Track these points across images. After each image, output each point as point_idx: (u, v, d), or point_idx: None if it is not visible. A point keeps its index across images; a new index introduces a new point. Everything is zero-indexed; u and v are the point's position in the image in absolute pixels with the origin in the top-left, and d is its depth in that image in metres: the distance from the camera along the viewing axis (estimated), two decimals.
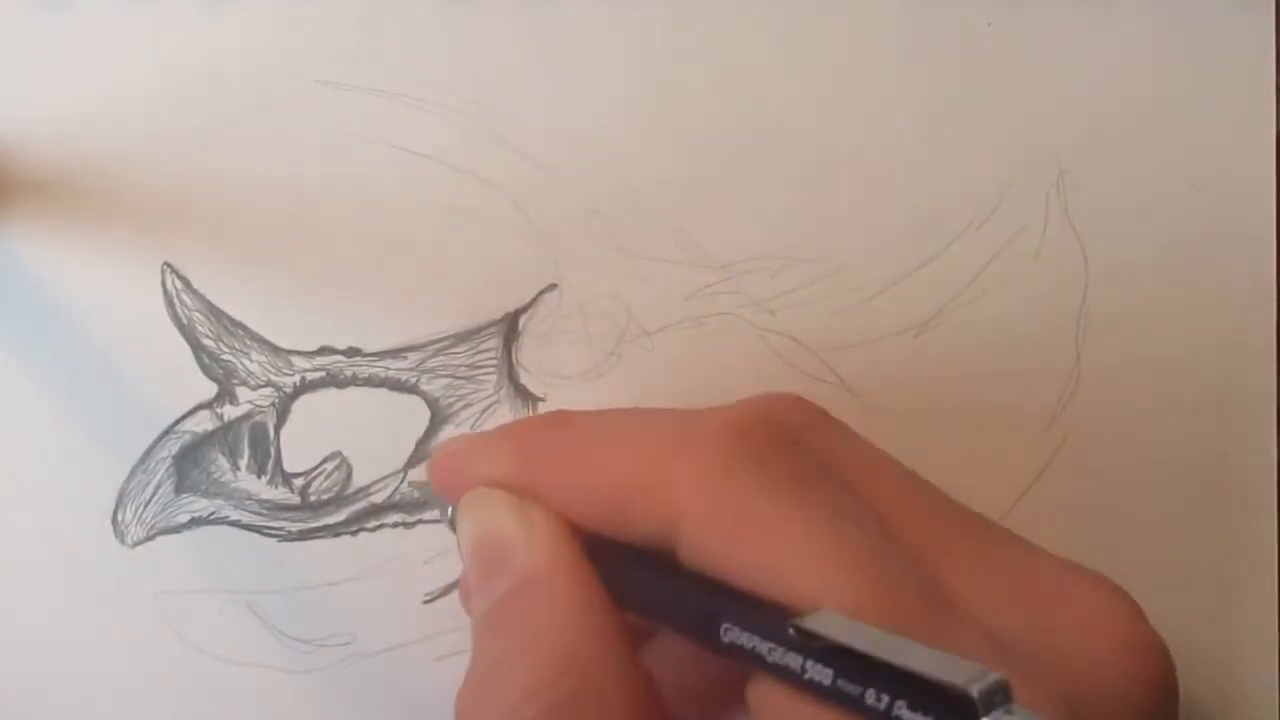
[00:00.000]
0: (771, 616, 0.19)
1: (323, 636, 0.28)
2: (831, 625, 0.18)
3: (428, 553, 0.28)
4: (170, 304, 0.28)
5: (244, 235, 0.28)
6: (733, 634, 0.19)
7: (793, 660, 0.18)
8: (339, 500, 0.28)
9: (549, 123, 0.28)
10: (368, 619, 0.28)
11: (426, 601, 0.28)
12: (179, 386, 0.28)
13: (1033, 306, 0.29)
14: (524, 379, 0.28)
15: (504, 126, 0.28)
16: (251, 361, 0.28)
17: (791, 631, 0.18)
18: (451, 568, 0.28)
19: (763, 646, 0.19)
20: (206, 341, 0.28)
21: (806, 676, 0.18)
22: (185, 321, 0.28)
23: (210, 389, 0.28)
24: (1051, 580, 0.21)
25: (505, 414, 0.28)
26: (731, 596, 0.20)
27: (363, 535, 0.28)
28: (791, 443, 0.21)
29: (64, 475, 0.28)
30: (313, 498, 0.28)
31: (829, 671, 0.18)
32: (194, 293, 0.28)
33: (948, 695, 0.16)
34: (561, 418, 0.24)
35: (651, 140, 0.29)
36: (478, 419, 0.28)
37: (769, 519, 0.20)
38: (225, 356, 0.28)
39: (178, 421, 0.28)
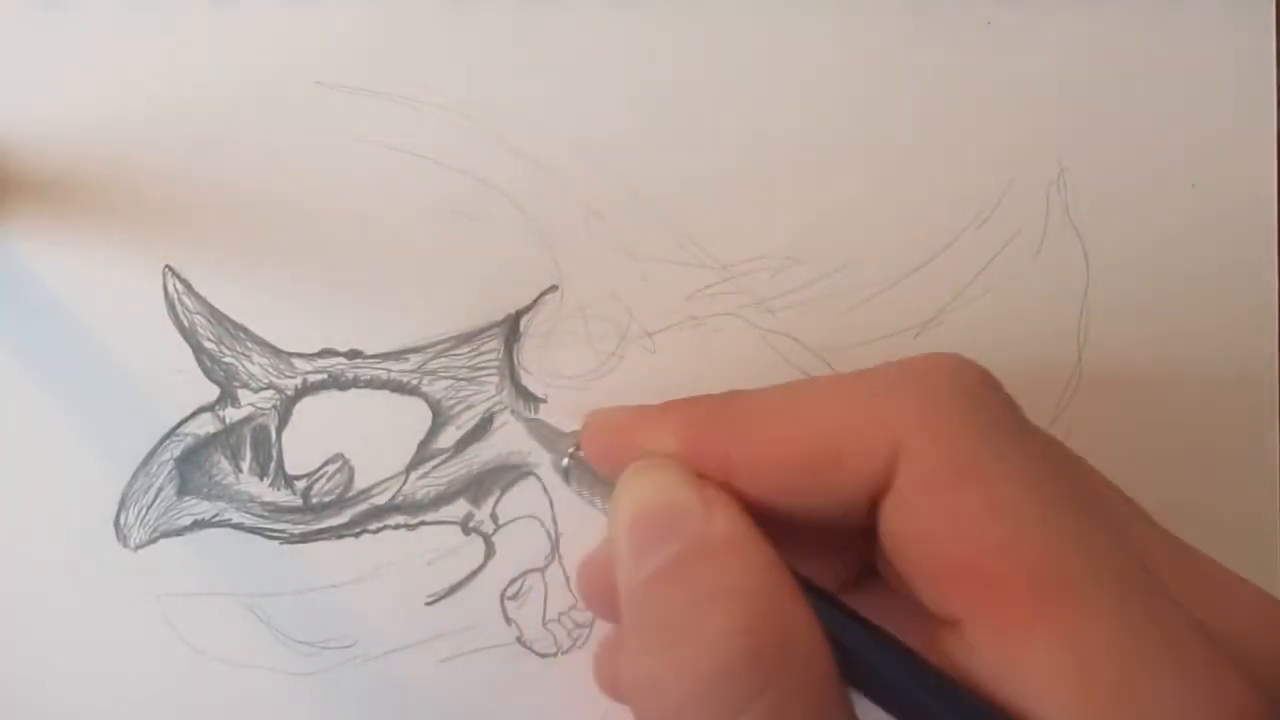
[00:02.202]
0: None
1: (325, 639, 0.28)
2: None
3: (430, 554, 0.28)
4: (172, 307, 0.28)
5: (245, 237, 0.28)
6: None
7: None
8: (341, 502, 0.28)
9: (549, 123, 0.28)
10: (370, 621, 0.28)
11: (429, 603, 0.28)
12: (181, 389, 0.28)
13: (1033, 305, 0.29)
14: (525, 380, 0.28)
15: (504, 127, 0.28)
16: (253, 364, 0.28)
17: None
18: (454, 569, 0.28)
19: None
20: (208, 344, 0.28)
21: None
22: (187, 324, 0.28)
23: (212, 391, 0.28)
24: (1232, 586, 0.21)
25: (507, 416, 0.28)
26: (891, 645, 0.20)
27: (365, 537, 0.28)
28: (997, 384, 0.21)
29: (66, 478, 0.28)
30: (315, 500, 0.28)
31: None
32: (195, 295, 0.28)
33: None
34: (737, 394, 0.23)
35: (652, 141, 0.29)
36: (479, 420, 0.28)
37: (990, 459, 0.20)
38: (227, 359, 0.28)
39: (180, 424, 0.28)
